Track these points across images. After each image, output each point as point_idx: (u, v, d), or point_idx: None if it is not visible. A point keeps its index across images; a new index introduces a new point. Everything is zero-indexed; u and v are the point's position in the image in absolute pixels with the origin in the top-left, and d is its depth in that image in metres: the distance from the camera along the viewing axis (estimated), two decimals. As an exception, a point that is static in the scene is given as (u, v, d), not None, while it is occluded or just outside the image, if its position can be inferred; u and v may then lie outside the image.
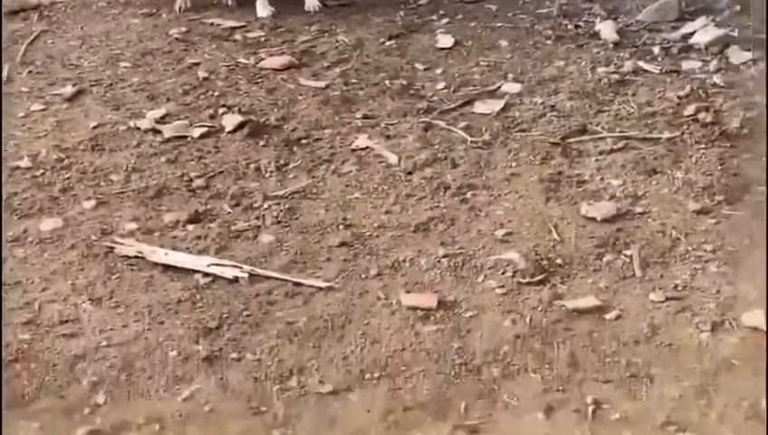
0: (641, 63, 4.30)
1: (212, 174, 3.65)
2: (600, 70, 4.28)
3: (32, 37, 4.78)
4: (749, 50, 4.31)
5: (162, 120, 4.04)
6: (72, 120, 4.06)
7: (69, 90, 4.27)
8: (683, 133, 3.76)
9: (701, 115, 3.83)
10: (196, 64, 4.50)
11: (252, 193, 3.49)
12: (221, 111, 4.08)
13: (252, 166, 3.70)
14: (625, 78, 4.20)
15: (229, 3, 5.08)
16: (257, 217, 3.34)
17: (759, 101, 3.91)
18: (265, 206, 3.41)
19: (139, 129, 3.97)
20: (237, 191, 3.50)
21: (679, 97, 4.00)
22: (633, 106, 3.99)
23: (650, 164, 3.57)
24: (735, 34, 4.43)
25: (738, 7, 4.63)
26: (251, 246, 3.19)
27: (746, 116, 3.81)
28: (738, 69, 4.19)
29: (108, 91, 4.30)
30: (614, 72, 4.24)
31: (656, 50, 4.41)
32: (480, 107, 4.07)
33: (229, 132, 3.93)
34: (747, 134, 3.72)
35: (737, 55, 4.27)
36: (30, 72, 4.47)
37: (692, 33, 4.48)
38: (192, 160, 3.76)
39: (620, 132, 3.81)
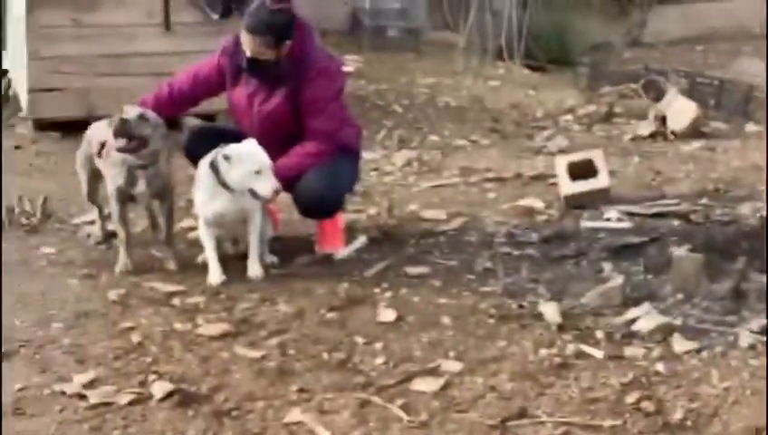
0: (584, 347, 4.24)
1: (135, 445, 3.49)
2: (543, 352, 4.21)
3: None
4: (692, 339, 4.27)
5: (90, 384, 3.89)
6: (-5, 383, 3.91)
7: (-5, 350, 4.14)
8: (625, 422, 3.66)
9: (643, 404, 3.75)
10: (131, 328, 4.39)
11: (174, 468, 3.32)
12: (151, 377, 3.95)
13: (178, 438, 3.55)
14: (567, 361, 4.13)
15: (172, 267, 5.03)
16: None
17: (702, 392, 3.85)
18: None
19: (64, 393, 3.82)
20: (159, 466, 3.33)
21: (622, 384, 3.92)
22: (575, 391, 3.90)
23: (592, 453, 3.46)
24: (679, 323, 4.41)
25: (682, 295, 4.63)
26: None
27: (689, 407, 3.74)
28: (681, 358, 4.14)
29: (37, 352, 4.16)
30: (556, 355, 4.18)
31: (599, 334, 4.36)
32: (419, 384, 3.97)
33: (158, 401, 3.79)
34: (691, 426, 3.64)
35: (681, 344, 4.22)
36: (-42, 329, 4.35)
37: (635, 320, 4.45)
38: (117, 429, 3.60)
39: (561, 417, 3.71)
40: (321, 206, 5.19)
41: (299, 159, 5.05)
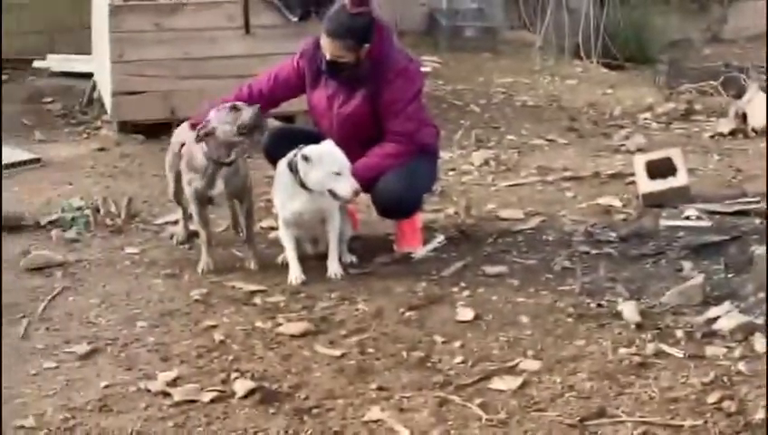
0: (664, 347, 4.22)
1: (218, 442, 3.57)
2: (622, 351, 4.20)
3: (53, 294, 4.78)
4: (774, 338, 4.23)
5: (174, 382, 3.97)
6: (83, 380, 4.01)
7: (83, 348, 4.24)
8: (706, 422, 3.64)
9: (725, 404, 3.72)
10: (214, 327, 4.47)
11: (257, 464, 3.38)
12: (234, 375, 4.02)
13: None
14: (647, 361, 4.11)
15: (252, 267, 5.10)
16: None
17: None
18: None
19: (149, 391, 3.91)
20: (242, 462, 3.40)
21: (702, 383, 3.90)
22: (654, 390, 3.88)
23: (672, 453, 3.45)
24: (761, 322, 4.36)
25: (763, 294, 4.58)
26: None
27: (772, 407, 3.71)
28: (763, 357, 4.09)
29: (122, 350, 4.26)
30: (636, 354, 4.16)
31: (679, 333, 4.34)
32: (497, 383, 3.99)
33: (240, 398, 3.86)
34: (773, 426, 3.61)
35: (762, 343, 4.18)
36: (47, 328, 4.45)
37: (716, 319, 4.41)
38: (200, 426, 3.68)
39: (641, 417, 3.69)
40: (399, 206, 5.23)
41: (378, 159, 5.09)
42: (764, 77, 8.97)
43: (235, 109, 4.91)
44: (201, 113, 5.04)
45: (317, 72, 5.19)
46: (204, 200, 5.09)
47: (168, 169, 5.42)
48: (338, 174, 4.84)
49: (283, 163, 5.03)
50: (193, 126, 5.05)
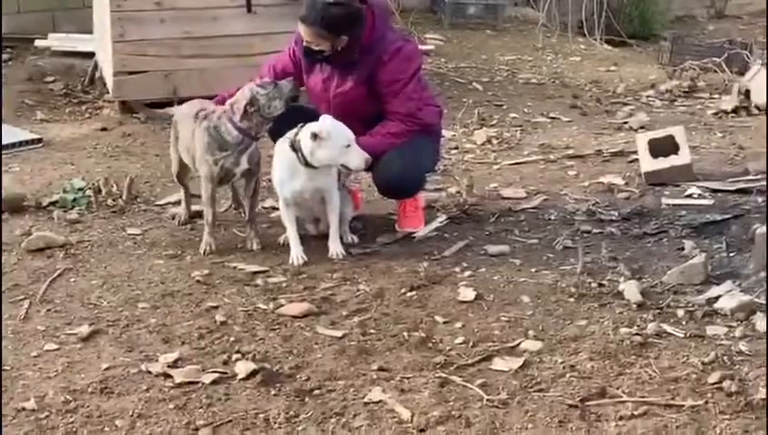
0: (665, 326, 4.21)
1: (219, 423, 3.57)
2: (623, 331, 4.19)
3: (54, 275, 4.78)
4: (775, 318, 4.23)
5: (175, 364, 3.98)
6: (84, 362, 4.01)
7: (84, 329, 4.24)
8: (706, 402, 3.64)
9: (726, 383, 3.72)
10: (215, 308, 4.47)
11: (257, 446, 3.39)
12: (235, 357, 4.03)
13: (261, 416, 3.61)
14: (648, 340, 4.11)
15: (254, 247, 5.09)
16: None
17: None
18: (270, 460, 3.30)
19: (150, 372, 3.91)
20: (243, 443, 3.40)
21: (703, 363, 3.90)
22: (655, 370, 3.88)
23: (672, 433, 3.45)
24: (762, 301, 4.35)
25: (765, 273, 4.57)
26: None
27: (773, 387, 3.70)
28: (765, 337, 4.09)
29: (123, 332, 4.26)
30: (637, 334, 4.15)
31: (680, 313, 4.33)
32: (498, 364, 3.99)
33: (241, 379, 3.86)
34: (774, 407, 3.61)
35: (764, 322, 4.17)
36: (48, 310, 4.45)
37: (717, 298, 4.40)
38: (200, 408, 3.68)
39: (642, 397, 3.70)
40: (401, 186, 5.22)
41: (380, 138, 5.07)
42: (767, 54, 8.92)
43: (274, 84, 4.99)
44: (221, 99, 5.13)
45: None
46: (227, 179, 5.10)
47: (172, 149, 5.41)
48: (347, 147, 4.84)
49: (283, 142, 5.02)
50: (221, 102, 5.10)
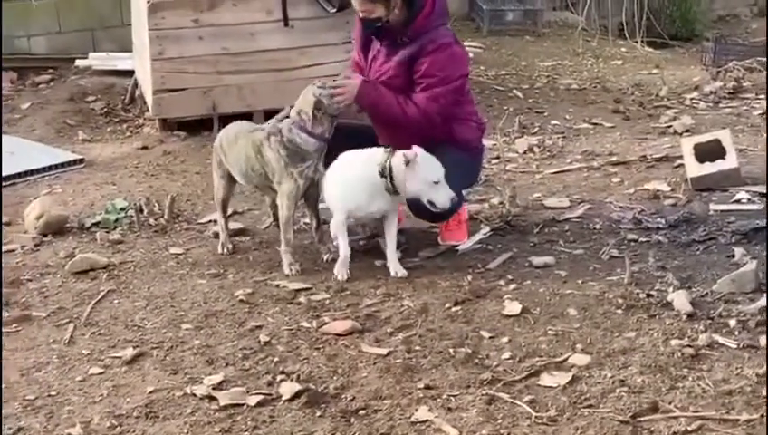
0: (717, 337, 4.12)
1: (265, 446, 3.54)
2: (673, 342, 4.11)
3: (98, 297, 4.78)
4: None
5: (219, 386, 3.95)
6: (129, 385, 3.99)
7: (129, 352, 4.22)
8: (762, 416, 3.54)
9: (781, 396, 3.64)
10: (258, 327, 4.44)
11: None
12: (279, 377, 3.99)
13: (306, 439, 3.58)
14: (699, 352, 4.02)
15: (293, 272, 5.01)
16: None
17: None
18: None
19: (195, 395, 3.89)
20: (289, 467, 3.37)
21: (758, 375, 3.81)
22: (708, 383, 3.79)
23: (728, 450, 3.38)
24: (816, 308, 4.26)
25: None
26: None
27: (830, 400, 3.61)
28: (821, 346, 4.00)
29: (168, 354, 4.24)
30: (688, 346, 4.07)
31: (732, 323, 4.24)
32: (546, 379, 3.92)
33: (286, 401, 3.83)
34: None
35: (817, 331, 4.08)
36: (93, 333, 4.45)
37: (770, 306, 4.31)
38: (246, 431, 3.65)
39: (695, 412, 3.61)
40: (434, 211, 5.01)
41: (393, 99, 5.01)
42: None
43: (333, 81, 5.03)
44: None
45: (368, 37, 5.19)
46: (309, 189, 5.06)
47: (215, 175, 5.31)
48: (436, 183, 4.75)
49: (353, 164, 4.91)
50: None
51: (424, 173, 4.75)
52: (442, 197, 4.77)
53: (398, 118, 5.02)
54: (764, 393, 3.68)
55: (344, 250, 4.94)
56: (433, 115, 5.04)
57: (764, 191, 5.72)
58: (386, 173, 4.79)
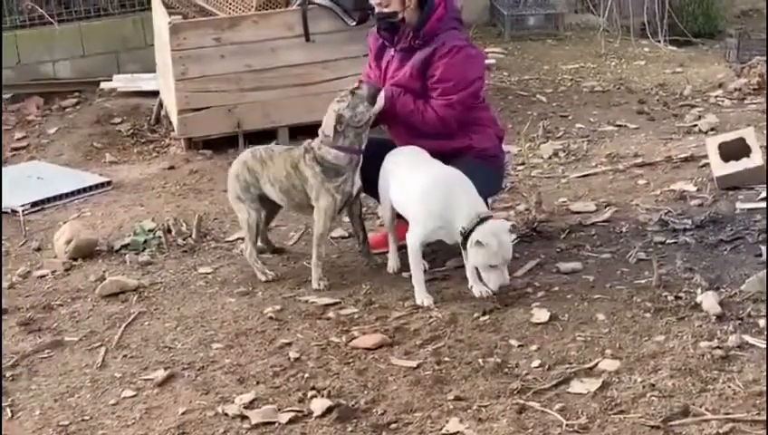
0: (747, 338, 4.11)
1: (297, 464, 3.56)
2: (703, 344, 4.10)
3: (129, 320, 4.82)
4: None
5: (251, 404, 3.98)
6: (162, 407, 4.03)
7: (160, 374, 4.26)
8: (793, 416, 3.54)
9: (813, 397, 3.62)
10: (288, 344, 4.47)
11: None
12: (310, 394, 4.02)
13: (339, 455, 3.60)
14: (729, 353, 4.01)
15: (321, 287, 5.02)
16: None
17: None
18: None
19: (227, 414, 3.92)
20: (321, 484, 3.38)
21: (788, 373, 3.80)
22: (739, 385, 3.79)
23: (761, 451, 3.36)
24: None
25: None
26: None
27: None
28: None
29: (199, 374, 4.28)
30: (718, 347, 4.06)
31: (761, 323, 4.22)
32: (576, 386, 3.92)
33: (317, 417, 3.85)
34: None
35: None
36: (125, 356, 4.50)
37: (799, 305, 4.29)
38: (278, 448, 3.68)
39: (726, 414, 3.61)
40: None
41: (413, 105, 5.05)
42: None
43: (351, 93, 5.04)
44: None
45: (381, 46, 5.24)
46: (346, 204, 5.08)
47: (245, 204, 5.23)
48: (493, 267, 4.64)
49: (456, 198, 4.75)
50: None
51: (491, 256, 4.60)
52: (495, 279, 4.64)
53: (416, 124, 5.06)
54: (796, 393, 3.67)
55: (419, 277, 4.82)
56: (450, 121, 5.06)
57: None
58: (464, 234, 4.67)
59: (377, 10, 5.13)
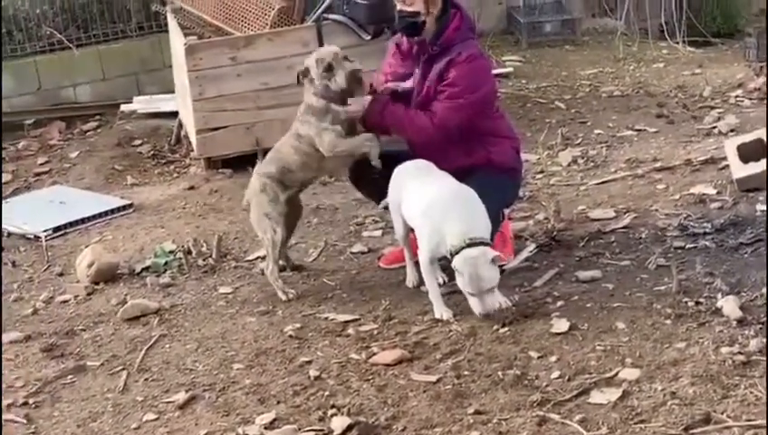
0: (768, 342, 4.08)
1: (318, 484, 3.56)
2: (724, 350, 4.07)
3: (150, 343, 4.84)
4: None
5: (271, 424, 3.99)
6: (183, 430, 4.05)
7: (181, 396, 4.27)
8: (815, 421, 3.51)
9: (835, 404, 3.58)
10: (308, 363, 4.47)
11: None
12: (330, 412, 4.02)
13: (359, 473, 3.60)
14: (751, 358, 3.97)
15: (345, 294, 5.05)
16: None
17: None
18: None
19: (247, 435, 3.94)
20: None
21: (810, 378, 3.76)
22: (761, 390, 3.75)
23: (782, 457, 3.33)
24: None
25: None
26: None
27: None
28: None
29: (219, 395, 4.29)
30: (739, 353, 4.02)
31: (782, 325, 4.20)
32: (597, 396, 3.90)
33: (338, 435, 3.85)
34: None
35: None
36: (146, 379, 4.51)
37: (821, 309, 4.25)
38: (299, 468, 3.68)
39: (748, 421, 3.57)
40: None
41: (404, 115, 5.11)
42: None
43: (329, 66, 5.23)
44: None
45: (403, 54, 5.30)
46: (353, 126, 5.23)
47: (273, 222, 5.25)
48: (478, 294, 4.59)
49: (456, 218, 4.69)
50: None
51: (466, 283, 4.57)
52: (474, 306, 4.60)
53: (404, 131, 5.14)
54: (818, 397, 3.64)
55: (435, 294, 4.80)
56: (450, 126, 5.05)
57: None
58: (452, 254, 4.62)
59: (398, 7, 5.15)
